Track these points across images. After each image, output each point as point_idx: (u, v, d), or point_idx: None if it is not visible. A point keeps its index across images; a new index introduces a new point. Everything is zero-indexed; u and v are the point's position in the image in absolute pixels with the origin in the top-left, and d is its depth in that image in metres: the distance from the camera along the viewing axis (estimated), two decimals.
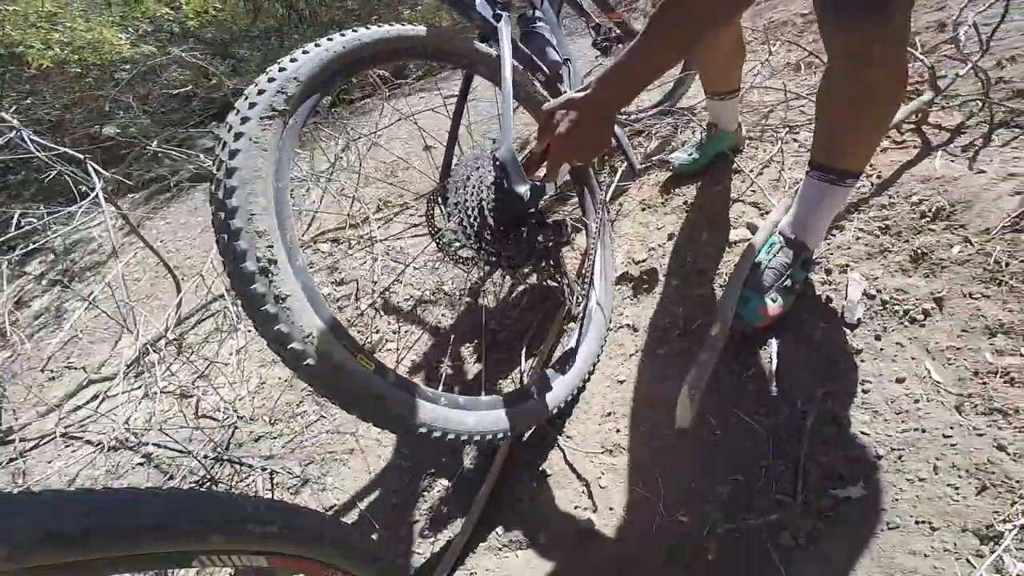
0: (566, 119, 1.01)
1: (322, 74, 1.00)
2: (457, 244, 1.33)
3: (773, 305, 1.19)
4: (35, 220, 2.30)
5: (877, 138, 1.15)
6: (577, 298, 1.45)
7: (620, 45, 2.29)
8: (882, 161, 1.44)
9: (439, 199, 1.29)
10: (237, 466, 1.57)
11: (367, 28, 1.10)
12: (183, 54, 4.10)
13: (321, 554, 0.74)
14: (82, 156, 2.09)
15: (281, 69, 0.95)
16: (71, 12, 3.55)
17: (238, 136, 0.87)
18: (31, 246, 3.09)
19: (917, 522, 0.91)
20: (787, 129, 1.71)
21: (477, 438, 1.06)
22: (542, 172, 1.14)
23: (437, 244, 1.41)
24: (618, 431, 1.25)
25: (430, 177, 2.14)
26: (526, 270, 1.31)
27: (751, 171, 1.62)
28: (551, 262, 1.29)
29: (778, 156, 1.63)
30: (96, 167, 2.07)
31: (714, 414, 1.16)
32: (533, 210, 1.17)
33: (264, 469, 1.52)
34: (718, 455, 1.11)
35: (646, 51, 0.94)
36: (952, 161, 1.35)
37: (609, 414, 1.29)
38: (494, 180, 1.14)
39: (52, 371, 2.35)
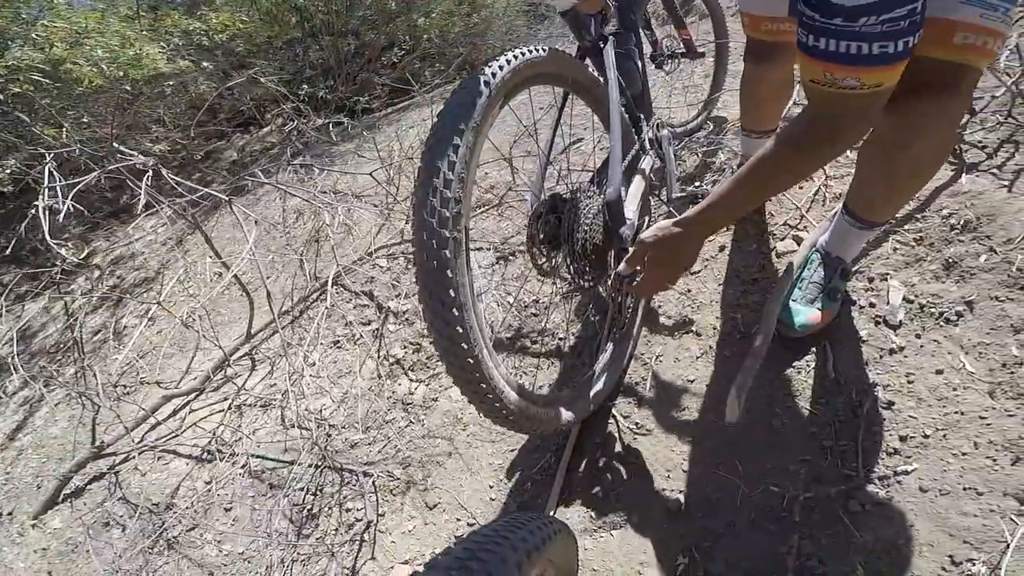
0: (658, 253, 1.16)
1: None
2: (555, 266, 1.37)
3: (820, 313, 1.39)
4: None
5: (911, 197, 1.34)
6: (625, 319, 1.61)
7: (673, 61, 2.31)
8: None
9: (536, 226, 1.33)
10: (339, 473, 1.71)
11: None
12: (210, 65, 4.24)
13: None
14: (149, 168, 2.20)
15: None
16: (109, 28, 3.62)
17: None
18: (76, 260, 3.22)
19: (964, 488, 1.11)
20: None
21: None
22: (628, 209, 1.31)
23: (535, 264, 1.42)
24: (693, 423, 1.44)
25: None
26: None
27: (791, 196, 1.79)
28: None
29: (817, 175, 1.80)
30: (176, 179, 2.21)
31: (781, 406, 1.36)
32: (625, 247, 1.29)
33: (367, 475, 1.65)
34: (787, 440, 1.31)
35: (733, 195, 1.06)
36: (977, 176, 1.54)
37: (683, 409, 1.48)
38: (598, 217, 1.27)
39: (125, 386, 2.44)
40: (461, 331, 0.96)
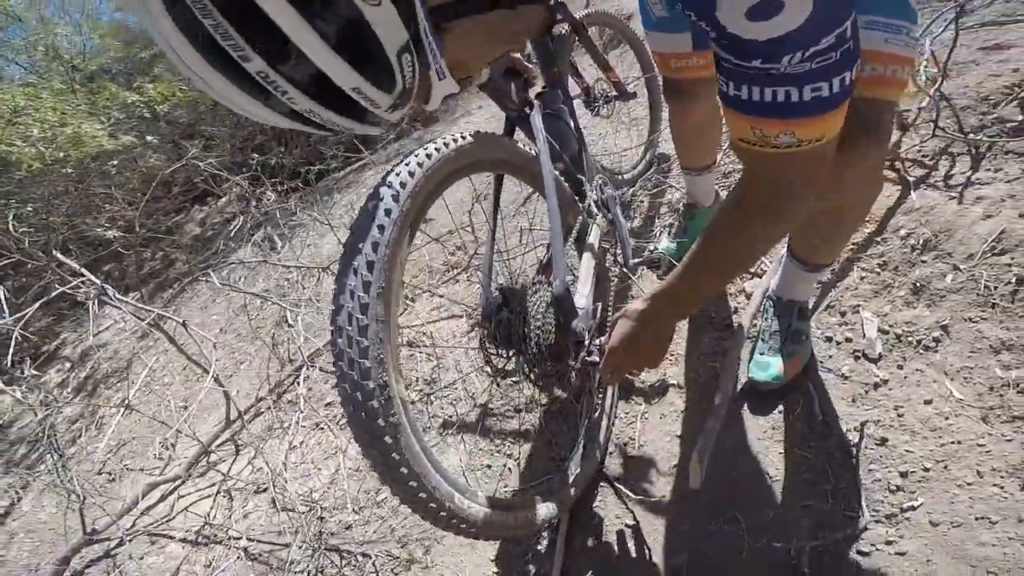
0: (620, 334, 1.07)
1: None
2: (511, 370, 1.33)
3: (790, 360, 1.37)
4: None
5: (851, 236, 1.32)
6: (596, 404, 1.53)
7: (608, 105, 2.34)
8: None
9: (488, 328, 1.25)
10: (338, 555, 1.66)
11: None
12: (155, 139, 4.16)
13: None
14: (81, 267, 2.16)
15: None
16: (42, 105, 3.52)
17: None
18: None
19: (976, 518, 1.09)
20: None
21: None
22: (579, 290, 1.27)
23: (490, 367, 1.34)
24: (687, 480, 1.41)
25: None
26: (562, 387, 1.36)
27: None
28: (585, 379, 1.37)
29: None
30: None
31: (772, 454, 1.34)
32: (584, 336, 1.21)
33: (366, 555, 1.62)
34: (785, 487, 1.29)
35: (691, 277, 0.95)
36: (925, 191, 1.56)
37: (675, 466, 1.46)
38: (548, 314, 1.20)
39: (109, 474, 2.44)
40: (403, 471, 0.90)
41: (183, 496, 2.12)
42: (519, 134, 1.38)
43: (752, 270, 1.68)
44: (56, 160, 3.41)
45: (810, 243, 1.28)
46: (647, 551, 1.35)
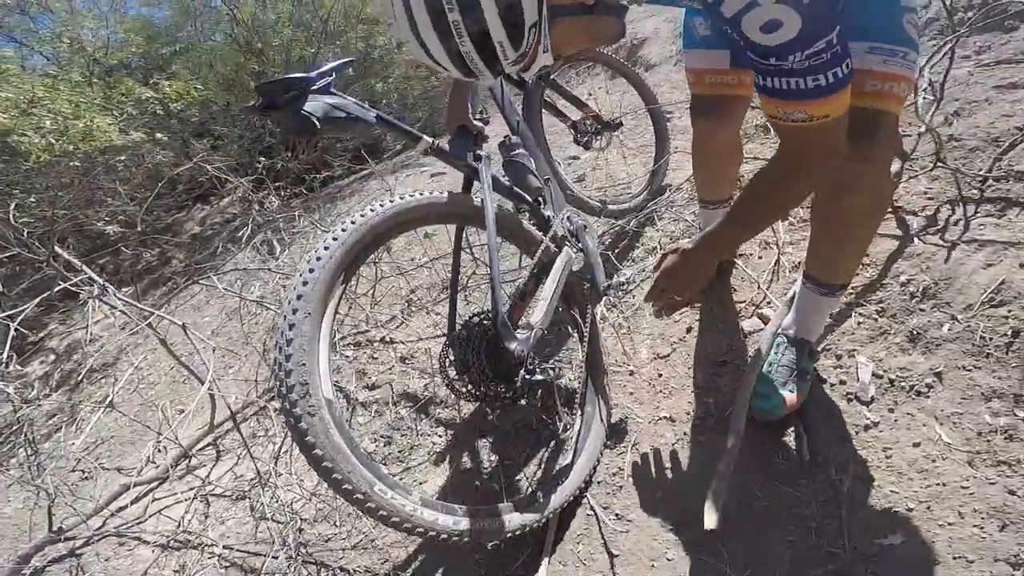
0: (665, 265, 1.26)
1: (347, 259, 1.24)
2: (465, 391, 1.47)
3: (791, 395, 1.38)
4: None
5: (864, 251, 1.35)
6: (565, 425, 1.64)
7: (599, 136, 2.39)
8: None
9: (447, 352, 1.45)
10: (315, 567, 1.63)
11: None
12: (165, 136, 4.15)
13: None
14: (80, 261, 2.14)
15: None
16: (58, 96, 3.52)
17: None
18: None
19: (955, 558, 1.10)
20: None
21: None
22: (534, 315, 1.39)
23: (450, 388, 1.49)
24: (675, 511, 1.41)
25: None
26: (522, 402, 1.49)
27: (751, 270, 1.80)
28: (541, 396, 1.51)
29: (773, 243, 1.83)
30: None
31: (760, 489, 1.34)
32: (525, 357, 1.35)
33: (344, 570, 1.59)
34: (771, 522, 1.28)
35: (732, 225, 1.16)
36: (928, 235, 1.58)
37: (663, 497, 1.44)
38: (489, 342, 1.35)
39: (84, 471, 2.38)
40: (340, 477, 1.07)
41: (158, 499, 2.08)
42: None
43: (755, 311, 1.69)
44: (65, 153, 3.39)
45: (824, 259, 1.32)
46: None
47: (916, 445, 1.26)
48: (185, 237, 4.23)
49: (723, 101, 1.50)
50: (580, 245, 1.65)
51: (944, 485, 1.19)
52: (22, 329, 3.20)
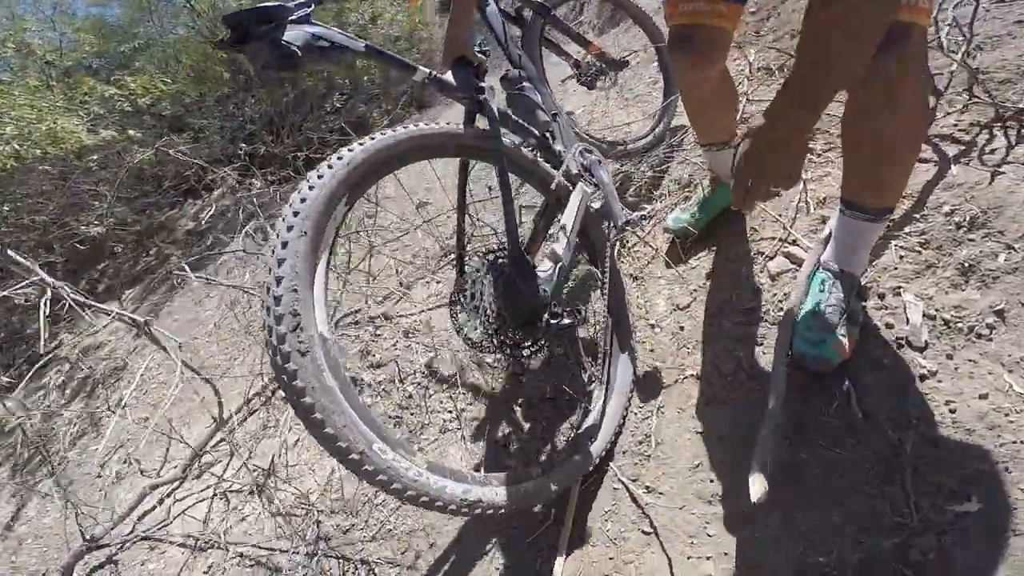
0: (743, 153, 1.01)
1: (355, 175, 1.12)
2: (481, 342, 1.36)
3: (846, 340, 1.23)
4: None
5: (910, 169, 1.20)
6: (590, 377, 1.53)
7: (604, 78, 2.32)
8: None
9: (458, 298, 1.35)
10: (336, 561, 1.59)
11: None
12: (138, 133, 4.02)
13: None
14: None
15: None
16: (16, 103, 3.42)
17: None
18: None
19: None
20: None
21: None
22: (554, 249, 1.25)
23: (464, 341, 1.42)
24: (712, 480, 1.29)
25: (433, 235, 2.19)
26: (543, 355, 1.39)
27: (770, 207, 1.65)
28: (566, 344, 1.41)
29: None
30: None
31: (807, 452, 1.21)
32: (549, 298, 1.24)
33: (365, 562, 1.55)
34: (823, 491, 1.16)
35: (805, 68, 0.91)
36: (968, 164, 1.41)
37: (697, 465, 1.33)
38: (506, 280, 1.24)
39: (109, 476, 2.41)
40: (333, 431, 0.94)
41: (179, 500, 2.09)
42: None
43: (780, 248, 1.54)
44: (35, 158, 3.31)
45: (865, 180, 1.18)
46: (667, 560, 1.23)
47: (983, 397, 1.11)
48: (180, 234, 4.13)
49: (701, 31, 1.29)
50: (595, 180, 1.56)
51: (1022, 443, 1.05)
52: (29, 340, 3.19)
